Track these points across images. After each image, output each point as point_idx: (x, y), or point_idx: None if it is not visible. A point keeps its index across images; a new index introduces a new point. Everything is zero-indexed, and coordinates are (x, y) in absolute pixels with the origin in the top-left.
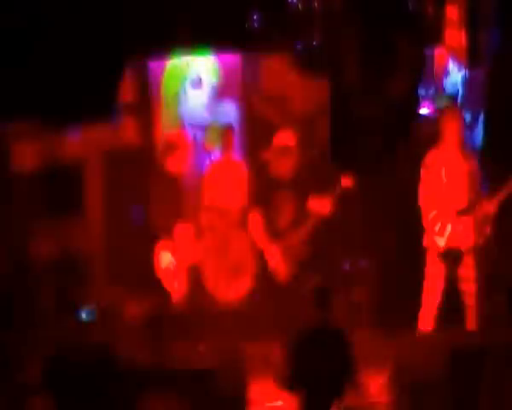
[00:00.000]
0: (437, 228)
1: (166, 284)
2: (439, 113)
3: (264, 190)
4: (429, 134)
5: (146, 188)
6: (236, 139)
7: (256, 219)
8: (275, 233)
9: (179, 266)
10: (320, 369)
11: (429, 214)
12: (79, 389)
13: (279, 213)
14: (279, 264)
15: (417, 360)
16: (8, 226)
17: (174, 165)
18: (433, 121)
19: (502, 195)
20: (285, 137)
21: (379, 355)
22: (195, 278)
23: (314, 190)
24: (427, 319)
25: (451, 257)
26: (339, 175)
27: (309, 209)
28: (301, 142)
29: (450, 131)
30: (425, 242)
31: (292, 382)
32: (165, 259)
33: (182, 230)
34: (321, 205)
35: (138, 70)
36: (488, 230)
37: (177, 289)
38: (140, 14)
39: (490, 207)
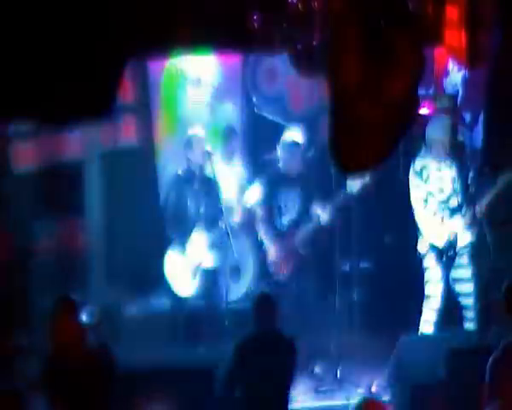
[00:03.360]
0: (435, 224)
1: (176, 285)
2: (423, 119)
3: (270, 187)
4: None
5: (146, 188)
6: (239, 141)
7: (259, 213)
8: (277, 230)
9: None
10: (260, 373)
11: (426, 213)
12: (79, 390)
13: (283, 210)
14: (279, 261)
15: (417, 360)
16: (7, 226)
17: None
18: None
19: (490, 196)
20: (293, 134)
21: (379, 356)
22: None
23: (320, 192)
24: (430, 323)
25: (448, 258)
26: (344, 180)
27: (313, 212)
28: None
29: (437, 140)
30: (422, 247)
31: (232, 384)
32: (177, 262)
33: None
34: (323, 211)
35: (138, 70)
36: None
37: (187, 290)
38: (140, 13)
39: (480, 208)
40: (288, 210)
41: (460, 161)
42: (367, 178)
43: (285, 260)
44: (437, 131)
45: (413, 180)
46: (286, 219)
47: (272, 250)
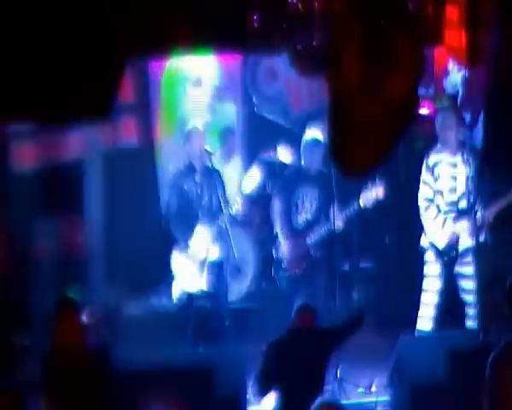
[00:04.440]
0: (436, 227)
1: (184, 282)
2: (436, 115)
3: (289, 182)
4: (429, 134)
5: (146, 188)
6: (237, 141)
7: (277, 207)
8: (292, 228)
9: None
10: (296, 369)
11: (429, 214)
12: (79, 389)
13: (299, 208)
14: (290, 260)
15: (417, 360)
16: (8, 226)
17: None
18: (432, 121)
19: (500, 204)
20: (315, 132)
21: (379, 355)
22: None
23: (337, 197)
24: (426, 319)
25: (450, 256)
26: (359, 191)
27: (328, 215)
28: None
29: (447, 130)
30: (424, 241)
31: (268, 383)
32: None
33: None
34: (338, 217)
35: (138, 70)
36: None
37: (196, 285)
38: (140, 13)
39: (488, 214)
40: (304, 209)
41: (473, 161)
42: (380, 193)
43: (297, 259)
44: (447, 120)
45: (424, 176)
46: (302, 218)
47: (285, 247)
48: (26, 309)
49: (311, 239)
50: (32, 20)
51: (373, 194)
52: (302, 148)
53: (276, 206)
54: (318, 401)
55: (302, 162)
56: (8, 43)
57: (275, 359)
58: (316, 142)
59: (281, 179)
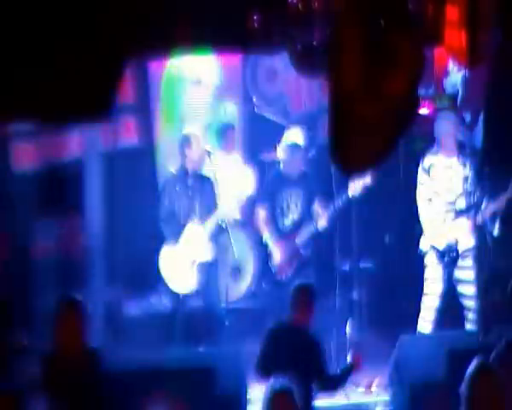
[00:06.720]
0: (435, 228)
1: (173, 283)
2: (435, 116)
3: (271, 187)
4: (429, 134)
5: (146, 188)
6: (237, 139)
7: (262, 215)
8: (279, 231)
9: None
10: (287, 368)
11: (427, 214)
12: (79, 390)
13: (285, 211)
14: (281, 262)
15: (417, 360)
16: (7, 226)
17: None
18: (432, 121)
19: (499, 202)
20: (294, 135)
21: (379, 355)
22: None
23: (322, 193)
24: (427, 322)
25: (450, 259)
26: (346, 181)
27: (314, 213)
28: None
29: (446, 134)
30: (424, 245)
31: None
32: (173, 259)
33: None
34: (325, 212)
35: (138, 70)
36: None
37: (184, 286)
38: (139, 13)
39: (487, 211)
40: (290, 211)
41: (473, 161)
42: (368, 180)
43: (288, 260)
44: (446, 125)
45: (420, 177)
46: (288, 221)
47: (276, 252)
48: (26, 309)
49: (300, 238)
50: (31, 20)
51: (361, 181)
52: (281, 151)
53: (262, 214)
54: (269, 386)
55: (281, 166)
56: (8, 42)
57: (272, 345)
58: (295, 146)
59: (262, 186)
